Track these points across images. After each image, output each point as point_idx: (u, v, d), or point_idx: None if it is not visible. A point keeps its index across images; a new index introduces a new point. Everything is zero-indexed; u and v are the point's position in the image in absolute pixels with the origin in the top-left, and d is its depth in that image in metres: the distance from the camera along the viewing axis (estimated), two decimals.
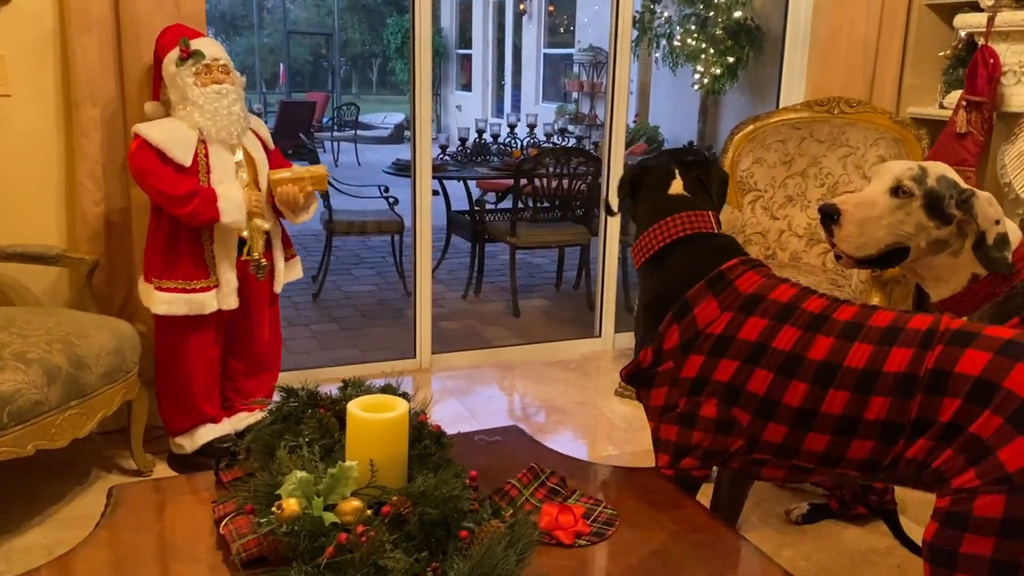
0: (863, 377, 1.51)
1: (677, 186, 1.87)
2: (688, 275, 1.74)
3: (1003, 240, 1.74)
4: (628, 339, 4.14)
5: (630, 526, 1.46)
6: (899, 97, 3.88)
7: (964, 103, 3.17)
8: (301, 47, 20.39)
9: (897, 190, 1.80)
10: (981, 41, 3.18)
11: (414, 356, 3.86)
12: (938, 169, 1.83)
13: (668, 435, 1.72)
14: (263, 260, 2.73)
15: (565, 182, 5.02)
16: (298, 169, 2.78)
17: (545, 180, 5.00)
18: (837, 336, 1.58)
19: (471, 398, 3.62)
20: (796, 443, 1.58)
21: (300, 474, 1.25)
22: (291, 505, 1.20)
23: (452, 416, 3.38)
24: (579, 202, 5.14)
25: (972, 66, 3.16)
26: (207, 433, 2.83)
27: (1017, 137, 3.04)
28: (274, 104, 13.66)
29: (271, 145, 2.90)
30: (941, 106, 3.59)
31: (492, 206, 5.95)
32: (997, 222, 1.75)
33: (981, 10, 3.20)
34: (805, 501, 2.67)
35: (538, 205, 5.20)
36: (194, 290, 2.66)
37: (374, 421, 1.33)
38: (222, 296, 2.70)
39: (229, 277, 2.70)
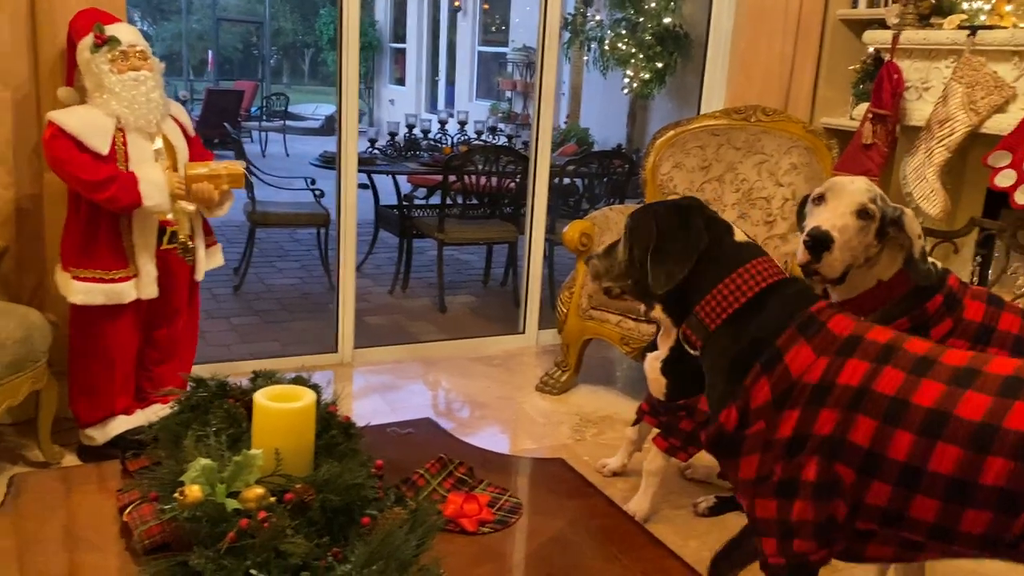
0: (978, 432, 1.31)
1: (741, 233, 1.72)
2: (778, 323, 1.55)
3: (925, 252, 1.84)
4: (552, 336, 4.21)
5: (533, 514, 1.51)
6: (813, 107, 4.05)
7: (870, 115, 3.33)
8: (231, 34, 19.96)
9: (863, 213, 1.83)
10: (887, 57, 3.34)
11: (336, 350, 3.85)
12: (877, 188, 1.92)
13: (766, 513, 1.50)
14: (190, 243, 2.71)
15: (494, 180, 5.06)
16: (215, 166, 2.74)
17: (474, 177, 5.04)
18: (947, 382, 1.39)
19: (393, 393, 3.63)
20: (902, 507, 1.39)
21: (204, 461, 1.26)
22: (194, 492, 1.21)
23: (372, 410, 3.39)
24: (508, 200, 5.19)
25: (878, 81, 3.32)
26: (119, 424, 2.79)
27: (917, 150, 3.21)
28: (201, 91, 13.34)
29: (192, 132, 2.87)
30: (851, 117, 3.75)
31: (421, 201, 5.96)
32: (920, 236, 1.85)
33: (888, 27, 3.35)
34: (712, 494, 2.78)
35: (467, 202, 5.23)
36: (112, 280, 2.63)
37: (280, 410, 1.35)
38: (141, 285, 2.67)
39: (149, 267, 2.67)
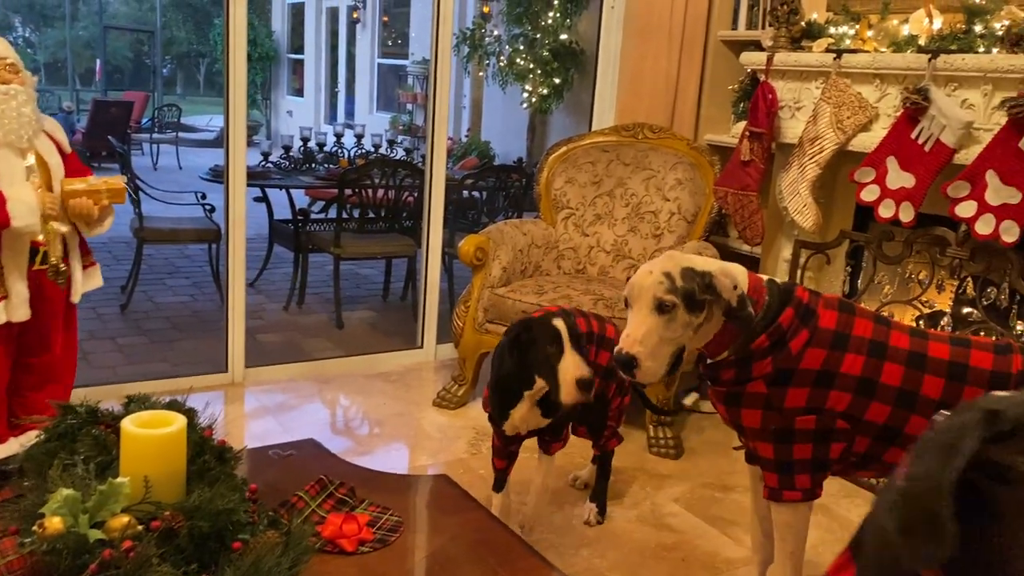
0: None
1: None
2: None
3: (743, 299, 1.88)
4: (449, 350, 4.22)
5: (414, 531, 1.52)
6: (697, 125, 4.20)
7: (747, 133, 3.48)
8: (120, 43, 19.25)
9: (661, 307, 1.87)
10: (763, 78, 3.50)
11: (226, 370, 3.76)
12: (677, 264, 1.91)
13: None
14: (62, 265, 2.60)
15: (392, 193, 5.04)
16: (94, 181, 2.65)
17: (371, 191, 5.01)
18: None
19: (286, 413, 3.57)
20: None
21: (66, 492, 1.22)
22: (54, 523, 1.17)
23: (264, 431, 3.32)
24: (406, 213, 5.18)
25: (754, 100, 3.47)
26: None
27: (791, 166, 3.37)
28: (88, 102, 12.81)
29: (67, 148, 2.76)
30: (732, 135, 3.91)
31: (318, 215, 5.88)
32: (735, 287, 1.89)
33: (763, 49, 3.52)
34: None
35: (364, 216, 5.20)
36: None
37: (148, 436, 1.33)
38: (11, 308, 2.54)
39: (19, 288, 2.55)
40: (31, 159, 2.57)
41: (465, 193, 5.73)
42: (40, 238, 2.53)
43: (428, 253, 4.25)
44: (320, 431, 3.39)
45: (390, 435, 3.42)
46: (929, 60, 2.88)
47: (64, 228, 2.59)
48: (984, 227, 2.70)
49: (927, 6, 3.06)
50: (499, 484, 2.68)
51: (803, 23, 3.44)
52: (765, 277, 2.01)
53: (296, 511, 1.51)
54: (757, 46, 3.64)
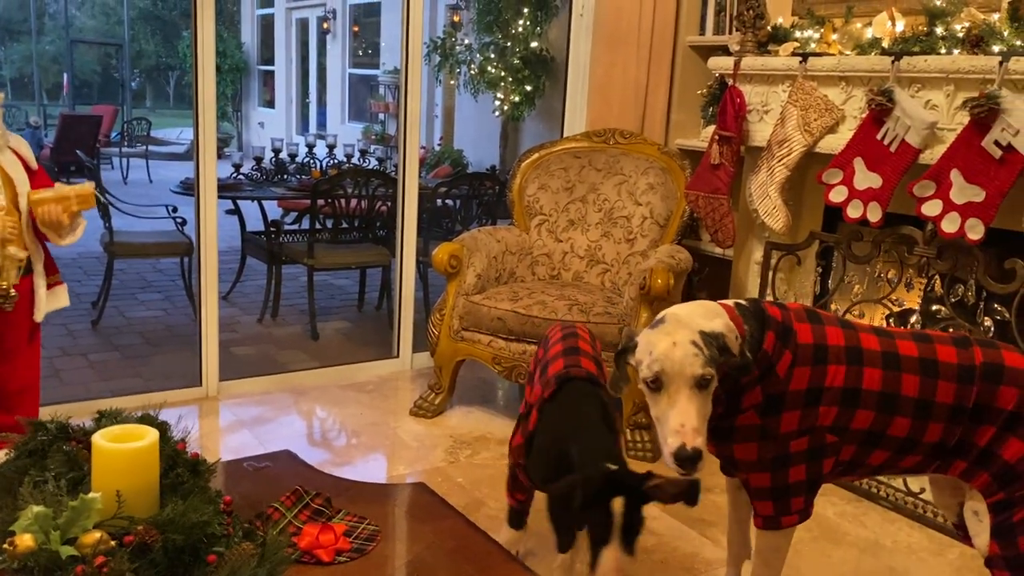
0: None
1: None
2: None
3: (742, 348, 1.78)
4: (426, 359, 4.21)
5: (391, 540, 1.51)
6: (667, 130, 4.24)
7: (717, 137, 3.52)
8: (87, 57, 19.05)
9: (702, 383, 1.74)
10: (730, 82, 3.54)
11: (200, 384, 3.73)
12: (692, 330, 1.77)
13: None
14: (12, 291, 2.55)
15: (365, 203, 5.03)
16: (62, 188, 2.62)
17: (344, 201, 5.00)
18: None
19: (261, 425, 3.54)
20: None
21: (37, 509, 1.21)
22: (24, 541, 1.16)
23: (240, 444, 3.30)
24: (380, 223, 5.17)
25: (722, 104, 3.51)
26: None
27: (760, 169, 3.41)
28: (56, 116, 12.67)
29: (33, 165, 2.72)
30: (702, 139, 3.95)
31: (291, 227, 5.85)
32: (737, 338, 1.80)
33: (731, 54, 3.56)
34: None
35: (338, 226, 5.18)
36: None
37: (120, 451, 1.31)
38: None
39: None
40: None
41: (439, 201, 5.73)
42: None
43: (402, 262, 4.24)
44: (297, 443, 3.36)
45: (367, 445, 3.41)
46: (892, 62, 2.93)
47: (22, 254, 2.54)
48: (950, 225, 2.74)
49: (890, 9, 3.12)
50: (518, 519, 2.32)
51: (769, 27, 3.48)
52: (731, 302, 1.95)
53: (272, 522, 1.50)
54: (725, 51, 3.68)
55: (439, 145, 9.80)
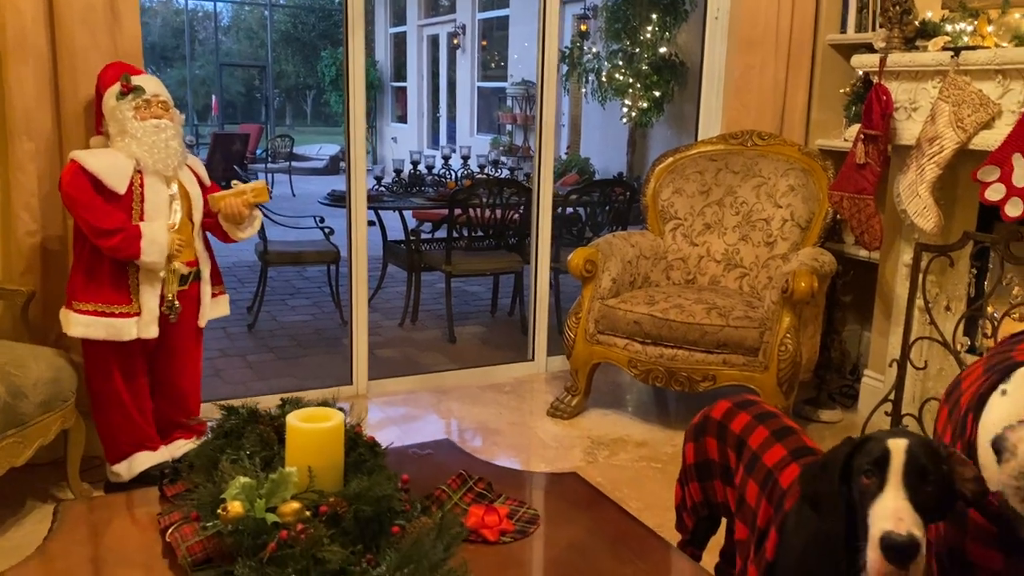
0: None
1: None
2: None
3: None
4: (560, 362, 4.29)
5: (551, 524, 1.59)
6: (807, 130, 4.16)
7: (862, 136, 3.43)
8: (234, 79, 20.31)
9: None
10: (875, 80, 3.44)
11: (351, 382, 3.94)
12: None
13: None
14: (176, 302, 2.78)
15: (498, 212, 5.17)
16: (239, 184, 2.89)
17: (479, 210, 5.15)
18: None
19: (408, 422, 3.71)
20: None
21: (243, 480, 1.35)
22: (235, 507, 1.30)
23: (389, 438, 3.44)
24: (512, 231, 5.30)
25: (867, 103, 3.42)
26: (144, 460, 2.87)
27: (909, 168, 3.30)
28: (207, 136, 13.58)
29: (207, 181, 2.98)
30: (845, 139, 3.86)
31: (427, 235, 6.07)
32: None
33: (875, 51, 3.47)
34: None
35: (472, 234, 5.34)
36: (114, 315, 2.67)
37: (312, 431, 1.44)
38: (142, 324, 2.69)
39: (152, 305, 2.70)
40: (174, 188, 2.79)
41: (569, 209, 5.81)
42: (161, 275, 2.71)
43: (537, 267, 4.34)
44: (440, 438, 3.50)
45: (507, 444, 3.51)
46: None
47: (185, 270, 2.78)
48: (1013, 209, 2.83)
49: None
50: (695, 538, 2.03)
51: (917, 22, 3.37)
52: None
53: (440, 503, 1.60)
54: (868, 48, 3.59)
55: (566, 154, 9.90)
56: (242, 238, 2.91)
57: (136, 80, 2.73)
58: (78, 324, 2.67)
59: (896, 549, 1.28)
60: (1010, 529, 1.25)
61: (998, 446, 1.34)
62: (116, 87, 2.71)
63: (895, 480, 1.34)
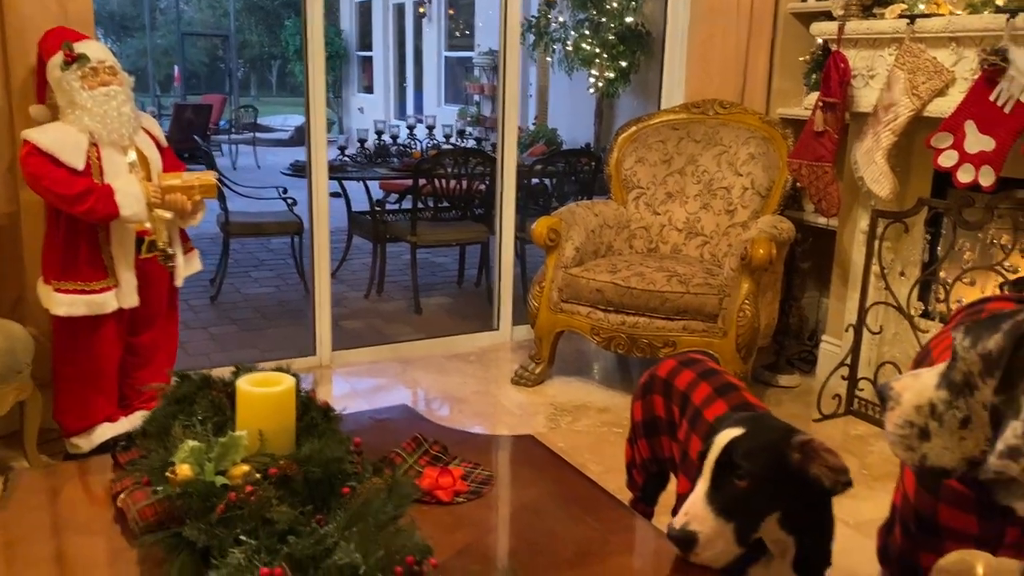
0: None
1: None
2: None
3: None
4: (526, 331, 4.31)
5: (505, 485, 1.61)
6: (768, 99, 4.18)
7: (820, 104, 3.46)
8: (196, 49, 19.93)
9: None
10: (834, 47, 3.47)
11: (314, 353, 3.93)
12: None
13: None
14: (169, 249, 2.78)
15: (464, 182, 5.16)
16: (187, 177, 2.82)
17: (444, 180, 5.13)
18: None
19: (372, 392, 3.72)
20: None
21: (192, 443, 1.35)
22: (184, 470, 1.30)
23: (354, 407, 3.46)
24: (478, 201, 5.29)
25: (826, 70, 3.45)
26: (104, 432, 2.85)
27: (866, 135, 3.34)
28: (168, 107, 13.33)
29: (164, 143, 2.94)
30: (804, 107, 3.89)
31: (393, 206, 6.04)
32: None
33: (834, 19, 3.49)
34: None
35: (438, 205, 5.32)
36: (94, 291, 2.70)
37: (261, 395, 1.45)
38: (122, 295, 2.74)
39: (128, 276, 2.74)
40: (132, 155, 2.75)
41: (535, 180, 5.81)
42: (147, 226, 2.71)
43: (502, 238, 4.34)
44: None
45: (471, 411, 3.53)
46: (1008, 19, 2.82)
47: (168, 215, 2.76)
48: (965, 175, 2.93)
49: None
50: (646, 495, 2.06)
51: None
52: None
53: (394, 465, 1.61)
54: (827, 16, 3.61)
55: (533, 124, 9.86)
56: (183, 227, 2.89)
57: (79, 47, 2.65)
58: (60, 304, 2.69)
59: (673, 540, 1.39)
60: (988, 493, 1.28)
61: (882, 394, 1.31)
62: (59, 56, 2.64)
63: (706, 473, 1.41)
